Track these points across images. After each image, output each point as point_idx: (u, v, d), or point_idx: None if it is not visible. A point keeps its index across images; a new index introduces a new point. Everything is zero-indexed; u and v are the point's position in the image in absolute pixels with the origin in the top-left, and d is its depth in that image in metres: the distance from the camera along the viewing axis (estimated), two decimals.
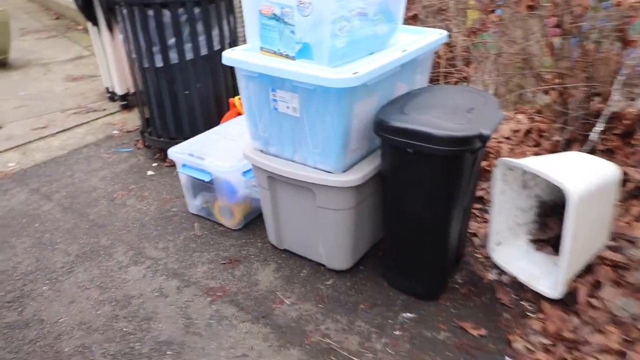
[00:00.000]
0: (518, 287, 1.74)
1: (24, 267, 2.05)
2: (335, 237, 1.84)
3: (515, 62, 2.59)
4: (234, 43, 2.79)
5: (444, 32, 1.98)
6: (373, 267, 1.95)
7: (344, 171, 1.73)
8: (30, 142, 3.19)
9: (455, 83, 2.93)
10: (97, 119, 3.51)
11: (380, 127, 1.58)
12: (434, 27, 2.47)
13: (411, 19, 3.10)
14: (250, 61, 1.68)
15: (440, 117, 1.54)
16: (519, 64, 2.59)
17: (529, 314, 1.64)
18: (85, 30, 3.34)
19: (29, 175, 2.79)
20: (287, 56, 1.65)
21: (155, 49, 2.54)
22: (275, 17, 1.62)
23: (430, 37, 1.93)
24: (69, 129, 3.36)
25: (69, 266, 2.04)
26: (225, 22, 2.67)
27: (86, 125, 3.42)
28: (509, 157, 2.13)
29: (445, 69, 2.93)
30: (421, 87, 1.98)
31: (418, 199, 1.64)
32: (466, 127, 1.50)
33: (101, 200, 2.51)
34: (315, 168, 1.75)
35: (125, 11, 2.52)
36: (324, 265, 1.95)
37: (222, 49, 2.68)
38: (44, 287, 1.93)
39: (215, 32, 2.61)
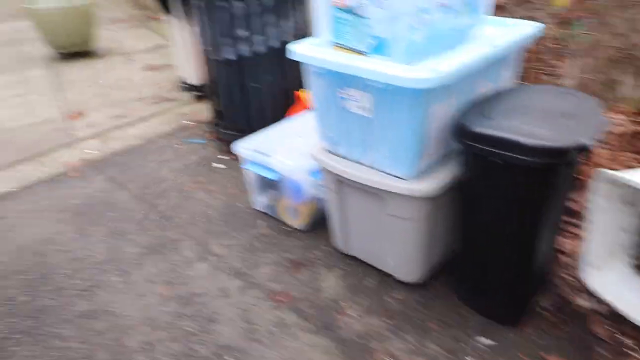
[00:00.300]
0: (616, 318, 1.52)
1: (97, 256, 2.12)
2: (405, 247, 1.72)
3: (615, 55, 2.28)
4: (305, 35, 2.70)
5: (538, 25, 1.76)
6: (445, 282, 1.80)
7: (417, 177, 1.59)
8: (109, 130, 3.32)
9: (544, 81, 2.65)
10: (171, 109, 3.59)
11: (461, 132, 1.42)
12: (520, 17, 2.23)
13: (496, 9, 2.83)
14: (320, 57, 1.57)
15: (531, 123, 1.35)
16: (619, 57, 2.28)
17: (629, 351, 1.43)
18: (164, 21, 3.41)
19: (107, 163, 2.90)
20: (360, 52, 1.52)
21: (227, 41, 2.50)
22: (349, 10, 1.49)
23: (521, 29, 1.71)
24: (145, 118, 3.46)
25: (138, 258, 2.08)
26: (298, 14, 2.58)
27: (161, 115, 3.51)
28: (609, 166, 1.88)
29: (533, 63, 2.66)
30: (507, 86, 1.78)
31: (501, 211, 1.47)
32: (562, 135, 1.30)
33: (171, 192, 2.55)
34: (386, 173, 1.63)
35: (199, 3, 2.50)
36: (392, 276, 1.83)
37: (295, 41, 2.60)
38: (114, 279, 1.98)
39: (287, 24, 2.53)
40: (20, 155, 3.02)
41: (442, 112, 1.53)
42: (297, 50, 1.64)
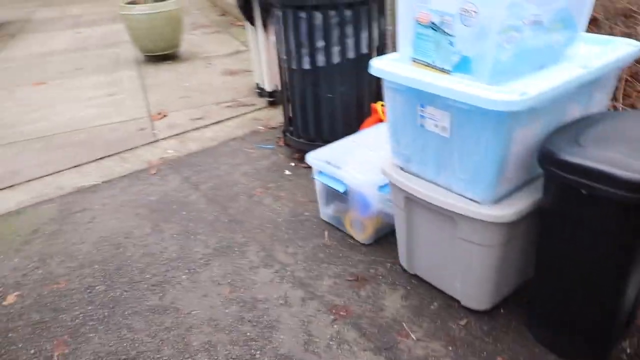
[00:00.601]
0: None
1: (169, 253, 2.21)
2: (476, 273, 1.64)
3: None
4: (382, 47, 2.68)
5: (637, 44, 1.62)
6: (516, 313, 1.69)
7: (494, 202, 1.51)
8: (187, 131, 3.47)
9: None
10: (246, 113, 3.69)
11: (547, 159, 1.33)
12: (619, 34, 2.07)
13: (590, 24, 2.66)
14: (400, 73, 1.54)
15: (628, 154, 1.24)
16: None
17: None
18: (245, 27, 3.52)
19: (183, 163, 3.03)
20: (442, 69, 1.48)
21: (304, 51, 2.54)
22: (432, 26, 1.46)
23: (620, 49, 1.59)
24: (220, 121, 3.59)
25: (206, 258, 2.15)
26: (375, 25, 2.57)
27: (236, 118, 3.62)
28: None
29: (631, 84, 2.46)
30: (601, 110, 1.66)
31: (587, 246, 1.36)
32: None
33: (241, 196, 2.62)
34: (461, 195, 1.56)
35: (279, 13, 2.56)
36: (458, 302, 1.75)
37: (370, 52, 2.59)
38: (183, 276, 2.05)
39: (364, 35, 2.53)
40: (106, 151, 3.24)
41: (527, 136, 1.45)
42: (377, 65, 1.63)
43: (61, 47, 6.25)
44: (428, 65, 1.52)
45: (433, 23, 1.45)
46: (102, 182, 2.88)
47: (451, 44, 1.42)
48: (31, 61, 5.59)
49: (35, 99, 4.31)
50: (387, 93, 1.68)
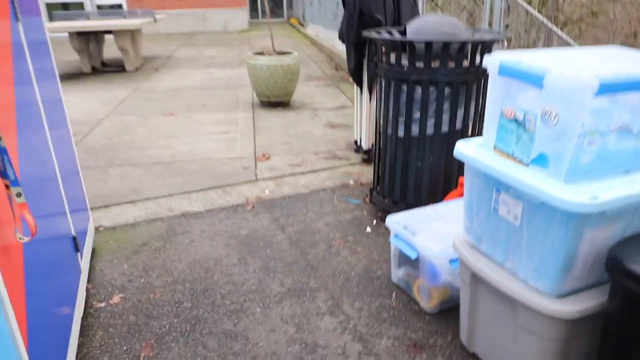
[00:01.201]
0: None
1: (249, 285, 2.44)
2: None
3: None
4: (477, 126, 2.78)
5: None
6: None
7: (559, 296, 1.53)
8: (284, 175, 3.79)
9: None
10: (340, 166, 3.94)
11: (612, 264, 1.35)
12: None
13: None
14: (480, 159, 1.66)
15: None
16: None
17: None
18: (353, 84, 3.83)
19: (276, 205, 3.31)
20: (520, 161, 1.57)
21: (401, 119, 2.73)
22: (516, 121, 1.57)
23: None
24: (315, 170, 3.87)
25: (280, 297, 2.35)
26: (472, 105, 2.69)
27: (329, 170, 3.88)
28: None
29: None
30: None
31: None
32: None
33: (321, 244, 2.81)
34: (526, 283, 1.60)
35: (383, 82, 2.79)
36: None
37: (464, 129, 2.71)
38: (257, 309, 2.26)
39: (460, 112, 2.66)
40: (213, 182, 3.65)
41: (599, 238, 1.47)
42: (460, 148, 1.75)
43: (194, 83, 7.12)
44: (508, 155, 1.62)
45: (516, 119, 1.56)
46: (205, 211, 3.25)
47: (531, 139, 1.52)
48: (168, 93, 6.44)
49: (164, 128, 4.97)
50: (466, 174, 1.80)
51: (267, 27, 6.15)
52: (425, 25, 2.70)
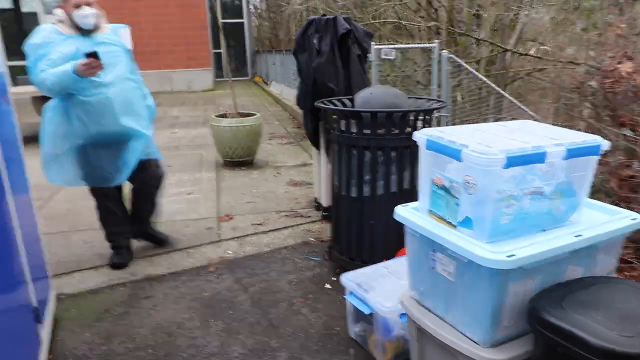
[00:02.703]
0: None
1: (211, 348, 2.50)
2: None
3: None
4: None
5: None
6: None
7: (492, 345, 1.69)
8: (247, 235, 3.90)
9: None
10: (301, 224, 4.09)
11: (530, 315, 1.53)
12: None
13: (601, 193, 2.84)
14: (416, 222, 1.85)
15: (604, 323, 1.41)
16: None
17: None
18: None
19: (239, 265, 3.40)
20: (450, 223, 1.77)
21: (353, 181, 2.93)
22: (444, 188, 1.78)
23: (622, 221, 1.79)
24: (277, 229, 4.00)
25: (241, 358, 2.41)
26: (417, 166, 2.93)
27: (291, 228, 4.02)
28: None
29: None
30: (601, 274, 1.83)
31: None
32: (634, 342, 1.34)
33: (282, 303, 2.90)
34: (464, 334, 1.75)
35: (336, 147, 3.01)
36: None
37: (412, 188, 2.93)
38: None
39: (406, 174, 2.89)
40: (176, 245, 3.72)
41: (522, 290, 1.66)
42: (399, 212, 1.95)
43: (159, 143, 7.21)
44: (440, 218, 1.82)
45: (444, 186, 1.77)
46: (169, 273, 3.30)
47: (457, 204, 1.72)
48: None
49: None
50: (406, 235, 1.98)
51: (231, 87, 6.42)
52: (371, 96, 2.97)
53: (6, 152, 2.15)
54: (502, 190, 1.62)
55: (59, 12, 2.99)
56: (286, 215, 4.28)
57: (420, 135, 1.81)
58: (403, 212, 1.94)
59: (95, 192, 3.29)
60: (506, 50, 7.01)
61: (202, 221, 4.20)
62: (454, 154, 1.66)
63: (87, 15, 2.92)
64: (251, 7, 20.91)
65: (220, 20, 7.72)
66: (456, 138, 1.71)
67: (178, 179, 5.43)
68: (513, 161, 1.56)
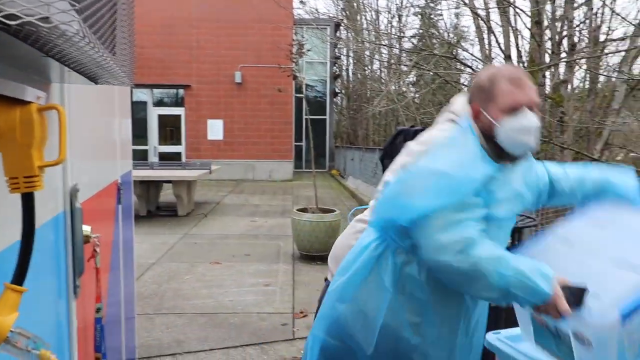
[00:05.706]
0: None
1: None
2: None
3: None
4: None
5: None
6: None
7: None
8: None
9: None
10: None
11: None
12: None
13: None
14: (523, 350, 1.74)
15: None
16: None
17: None
18: None
19: None
20: None
21: None
22: (548, 329, 1.68)
23: None
24: None
25: None
26: None
27: None
28: None
29: None
30: None
31: None
32: None
33: None
34: None
35: None
36: None
37: None
38: None
39: None
40: (251, 339, 3.73)
41: None
42: (491, 340, 1.85)
43: (238, 231, 7.55)
44: (551, 351, 1.70)
45: (548, 327, 1.67)
46: None
47: (570, 349, 1.61)
48: (214, 241, 6.84)
49: (209, 277, 5.22)
50: None
51: (309, 177, 6.68)
52: None
53: (124, 228, 2.27)
54: (623, 342, 1.49)
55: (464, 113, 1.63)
56: None
57: None
58: (494, 339, 1.84)
59: None
60: (592, 158, 6.79)
61: (276, 316, 4.20)
62: None
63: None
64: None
65: (305, 116, 8.26)
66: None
67: (256, 269, 5.56)
68: (630, 315, 1.44)
